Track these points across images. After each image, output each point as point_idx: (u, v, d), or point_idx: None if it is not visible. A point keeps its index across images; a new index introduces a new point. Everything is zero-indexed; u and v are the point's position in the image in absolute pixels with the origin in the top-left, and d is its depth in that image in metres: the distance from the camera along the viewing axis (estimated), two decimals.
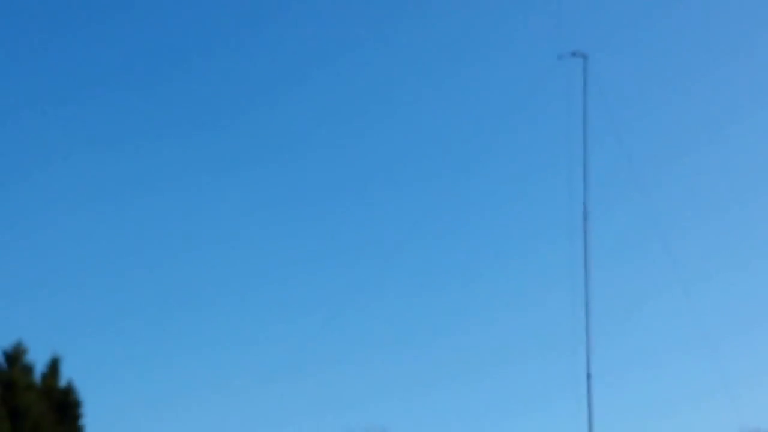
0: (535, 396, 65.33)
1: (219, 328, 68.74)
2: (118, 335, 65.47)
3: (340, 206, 72.25)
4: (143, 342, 66.72)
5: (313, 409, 65.48)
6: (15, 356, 27.58)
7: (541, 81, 29.00)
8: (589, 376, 26.00)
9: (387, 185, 71.06)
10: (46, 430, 27.12)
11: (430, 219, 35.24)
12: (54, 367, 28.56)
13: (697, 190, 74.26)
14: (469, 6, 73.30)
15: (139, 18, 68.72)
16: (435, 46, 76.25)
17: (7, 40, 64.02)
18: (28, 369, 27.79)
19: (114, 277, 67.67)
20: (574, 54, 27.50)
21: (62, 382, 28.64)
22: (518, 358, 68.12)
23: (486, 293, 71.46)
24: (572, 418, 26.17)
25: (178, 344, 67.09)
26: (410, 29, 74.57)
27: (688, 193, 72.24)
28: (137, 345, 66.14)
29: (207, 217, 68.99)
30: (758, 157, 70.04)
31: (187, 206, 69.23)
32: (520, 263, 70.28)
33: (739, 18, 73.24)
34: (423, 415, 63.96)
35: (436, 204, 34.88)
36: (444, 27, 75.37)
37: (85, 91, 68.38)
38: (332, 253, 70.41)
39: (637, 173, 30.38)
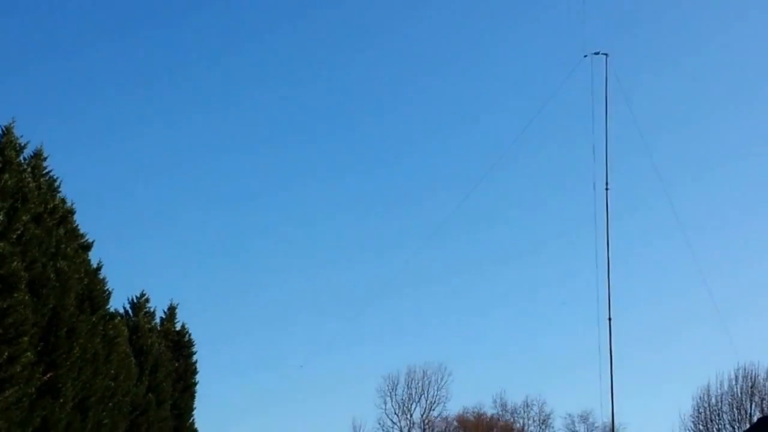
0: (563, 335, 70.71)
1: (310, 271, 73.68)
2: (226, 286, 71.03)
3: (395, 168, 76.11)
4: (251, 292, 71.78)
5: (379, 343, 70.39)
6: (139, 305, 29.73)
7: (569, 77, 31.29)
8: (609, 319, 29.25)
9: (447, 186, 74.94)
10: (165, 366, 29.33)
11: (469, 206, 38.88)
12: (171, 313, 31.37)
13: (712, 177, 77.18)
14: (503, 6, 77.04)
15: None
16: (467, 44, 79.74)
17: None
18: (150, 315, 29.91)
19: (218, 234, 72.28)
20: (597, 53, 30.05)
21: (178, 326, 31.49)
22: (550, 302, 72.99)
23: (519, 247, 76.26)
24: (595, 355, 29.37)
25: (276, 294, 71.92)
26: (441, 26, 78.49)
27: (703, 183, 75.86)
28: (245, 294, 71.34)
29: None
30: None
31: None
32: (551, 247, 74.53)
33: (757, 19, 75.67)
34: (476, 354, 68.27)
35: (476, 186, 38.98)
36: (476, 26, 79.19)
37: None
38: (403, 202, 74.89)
39: (655, 163, 33.77)
